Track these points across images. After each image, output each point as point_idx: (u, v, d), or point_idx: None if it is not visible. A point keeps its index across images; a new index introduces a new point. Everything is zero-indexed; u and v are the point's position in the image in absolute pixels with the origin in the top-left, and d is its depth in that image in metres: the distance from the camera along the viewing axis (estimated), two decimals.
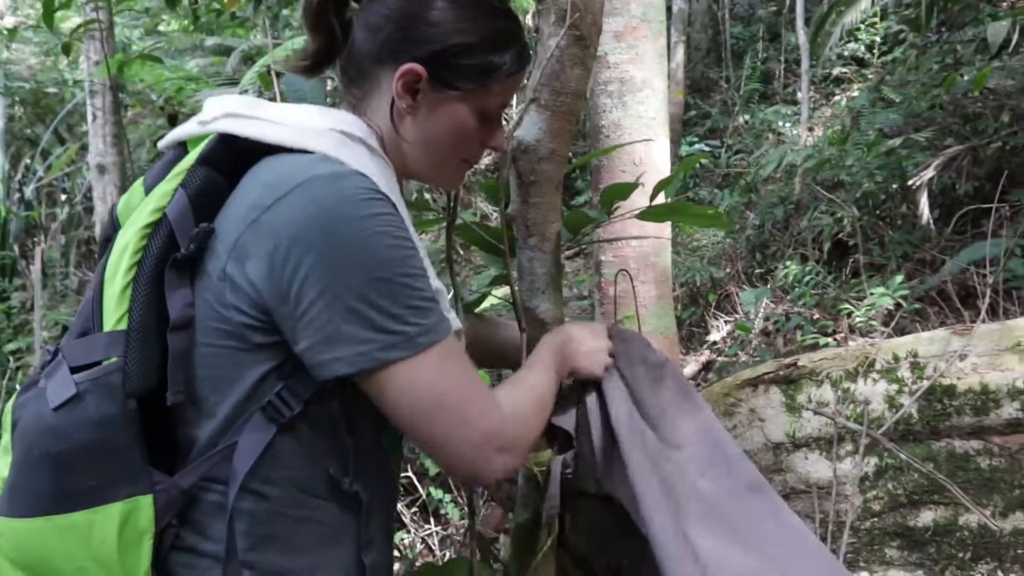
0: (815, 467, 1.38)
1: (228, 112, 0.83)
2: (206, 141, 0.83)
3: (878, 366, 1.39)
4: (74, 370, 0.74)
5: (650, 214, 1.15)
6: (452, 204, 1.12)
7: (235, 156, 0.81)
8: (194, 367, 0.78)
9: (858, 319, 4.03)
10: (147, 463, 0.75)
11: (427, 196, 6.06)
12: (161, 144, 0.89)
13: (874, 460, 1.36)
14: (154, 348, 0.76)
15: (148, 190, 0.85)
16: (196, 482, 0.78)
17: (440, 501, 3.21)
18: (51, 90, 10.08)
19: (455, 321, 0.84)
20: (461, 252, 6.41)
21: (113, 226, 0.88)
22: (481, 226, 1.16)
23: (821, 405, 1.37)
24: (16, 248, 8.35)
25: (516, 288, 1.13)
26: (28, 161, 9.53)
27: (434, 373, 0.76)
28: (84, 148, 8.00)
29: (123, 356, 0.74)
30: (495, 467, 0.80)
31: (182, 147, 0.88)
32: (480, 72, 0.87)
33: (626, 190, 1.10)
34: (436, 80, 0.86)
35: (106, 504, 0.72)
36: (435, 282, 0.82)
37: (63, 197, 9.82)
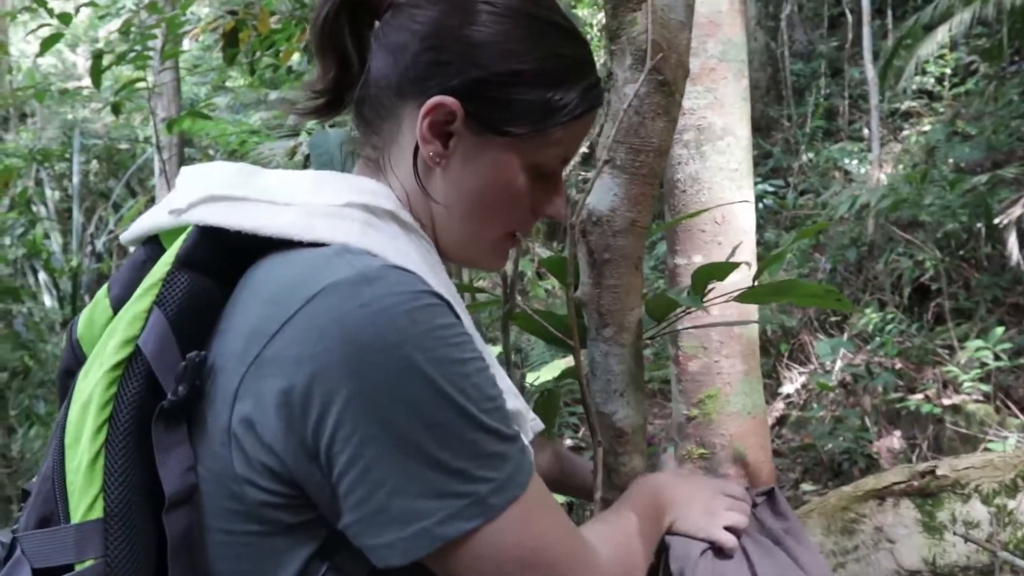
0: None
1: (209, 195, 0.62)
2: (184, 236, 0.62)
3: None
4: (38, 574, 0.56)
5: (753, 296, 0.94)
6: (509, 288, 0.93)
7: (226, 252, 0.61)
8: (206, 558, 0.59)
9: (956, 376, 3.72)
10: None
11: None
12: (124, 238, 0.69)
13: None
14: (146, 536, 0.57)
15: (115, 302, 0.64)
16: None
17: None
18: (123, 146, 10.56)
19: (535, 424, 0.69)
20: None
21: (74, 354, 0.66)
22: (544, 313, 0.96)
23: (970, 526, 1.12)
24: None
25: (587, 389, 0.92)
26: (102, 213, 9.91)
27: (516, 535, 0.57)
28: (152, 201, 8.27)
29: (102, 556, 0.55)
30: None
31: (155, 242, 0.67)
32: (536, 112, 0.65)
33: (724, 270, 0.89)
34: (476, 120, 0.65)
35: None
36: (513, 402, 0.63)
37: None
